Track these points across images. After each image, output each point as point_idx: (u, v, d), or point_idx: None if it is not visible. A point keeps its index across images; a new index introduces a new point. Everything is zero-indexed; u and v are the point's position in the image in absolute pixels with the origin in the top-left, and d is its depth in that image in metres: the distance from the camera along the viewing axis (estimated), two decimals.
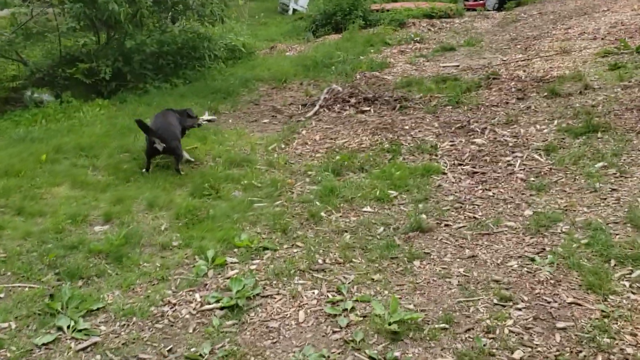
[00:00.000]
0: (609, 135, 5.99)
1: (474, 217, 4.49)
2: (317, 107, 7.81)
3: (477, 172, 5.37)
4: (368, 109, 7.70)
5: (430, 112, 7.31)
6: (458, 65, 10.05)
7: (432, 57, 10.79)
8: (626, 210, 4.42)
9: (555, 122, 6.58)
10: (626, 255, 3.76)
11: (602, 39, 9.93)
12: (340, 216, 4.60)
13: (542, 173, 5.26)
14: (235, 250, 4.02)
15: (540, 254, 3.87)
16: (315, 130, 7.01)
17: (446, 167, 5.54)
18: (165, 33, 8.50)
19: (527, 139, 6.16)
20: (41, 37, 7.94)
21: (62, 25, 7.39)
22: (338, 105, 7.87)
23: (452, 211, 4.63)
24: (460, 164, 5.60)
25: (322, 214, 4.62)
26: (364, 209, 4.71)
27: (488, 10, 15.47)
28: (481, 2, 15.59)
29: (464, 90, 8.12)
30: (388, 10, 15.21)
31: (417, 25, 14.25)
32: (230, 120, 7.61)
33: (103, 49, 8.28)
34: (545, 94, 7.52)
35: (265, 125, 7.38)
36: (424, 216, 4.54)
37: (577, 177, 5.10)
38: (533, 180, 5.10)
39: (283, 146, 6.45)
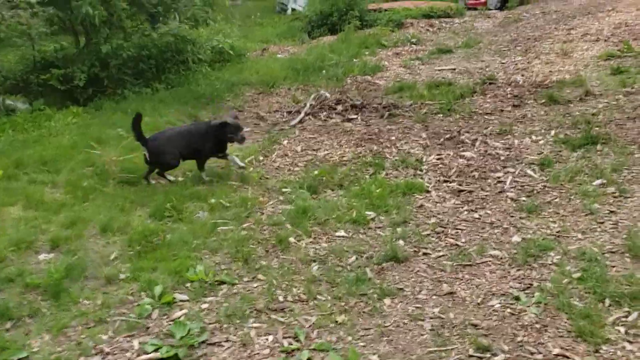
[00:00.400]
0: (609, 148, 5.56)
1: (456, 245, 4.08)
2: (302, 115, 7.41)
3: (463, 191, 4.95)
4: (355, 117, 7.29)
5: (419, 121, 6.89)
6: (454, 69, 9.62)
7: (427, 60, 10.36)
8: (625, 236, 4.00)
9: (553, 132, 6.16)
10: (623, 293, 3.34)
11: (605, 40, 9.46)
12: (311, 242, 4.20)
13: (535, 192, 4.84)
14: (188, 284, 3.63)
15: (526, 291, 3.46)
16: (298, 140, 6.61)
17: (430, 184, 5.12)
18: (145, 36, 8.11)
19: (520, 152, 5.73)
20: (14, 42, 7.58)
21: (32, 30, 7.03)
22: (324, 112, 7.47)
23: (433, 236, 4.22)
24: (446, 181, 5.18)
25: (291, 239, 4.22)
26: (338, 234, 4.31)
27: (490, 10, 14.99)
28: (483, 0, 15.10)
29: (457, 97, 7.69)
30: (386, 10, 14.79)
31: (415, 25, 13.81)
32: None
33: (80, 53, 7.91)
34: (543, 100, 7.09)
35: (246, 134, 6.97)
36: (401, 242, 4.13)
37: (572, 197, 4.68)
38: (524, 201, 4.68)
39: (261, 158, 6.06)
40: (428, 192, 4.97)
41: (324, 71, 9.69)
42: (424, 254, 3.98)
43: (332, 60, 10.50)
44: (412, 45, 11.70)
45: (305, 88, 8.99)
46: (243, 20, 17.84)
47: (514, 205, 4.62)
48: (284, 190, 5.11)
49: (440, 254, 3.97)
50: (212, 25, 9.52)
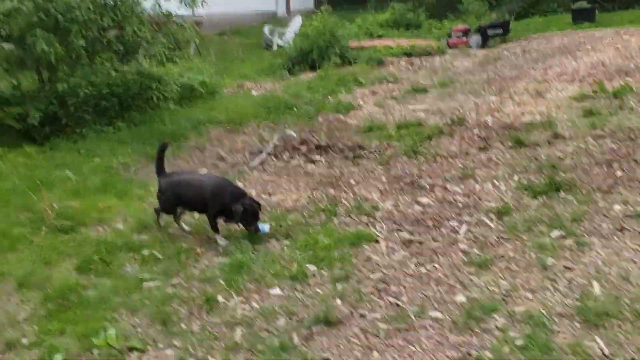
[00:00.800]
0: (572, 195, 5.32)
1: (397, 304, 3.78)
2: (264, 155, 7.18)
3: (414, 241, 4.67)
4: (319, 158, 7.06)
5: (382, 163, 6.67)
6: (427, 109, 9.46)
7: (402, 99, 10.22)
8: (577, 296, 3.72)
9: (516, 177, 5.93)
10: None
11: (581, 81, 9.36)
12: (242, 301, 3.90)
13: (489, 243, 4.57)
14: (95, 351, 3.31)
15: None
16: (255, 182, 6.36)
17: (381, 233, 4.85)
18: (109, 74, 7.94)
19: (480, 198, 5.48)
20: None
21: None
22: (288, 153, 7.24)
23: (374, 294, 3.92)
24: (399, 229, 4.91)
25: (220, 298, 3.92)
26: (272, 291, 4.01)
27: (471, 48, 14.99)
28: (464, 40, 15.11)
29: (424, 138, 7.49)
30: (367, 48, 14.76)
31: (395, 64, 13.78)
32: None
33: (40, 91, 7.72)
34: (511, 143, 6.88)
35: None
36: (338, 301, 3.83)
37: (527, 250, 4.40)
38: (477, 254, 4.40)
39: None
40: (377, 242, 4.69)
41: (295, 109, 9.52)
42: (361, 315, 3.68)
43: (306, 98, 10.37)
44: (389, 84, 11.60)
45: (274, 127, 8.79)
46: (224, 56, 17.89)
47: (465, 258, 4.34)
48: (222, 241, 4.81)
49: (377, 315, 3.66)
50: (182, 62, 9.36)
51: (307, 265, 4.30)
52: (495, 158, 6.57)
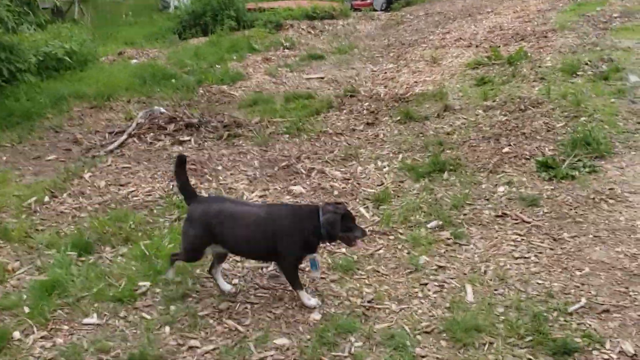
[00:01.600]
0: (456, 176, 4.86)
1: (237, 329, 3.12)
2: (124, 137, 6.23)
3: None
4: (188, 138, 6.21)
5: (261, 143, 5.93)
6: (323, 77, 8.79)
7: (296, 67, 9.46)
8: (447, 305, 3.21)
9: (400, 156, 5.41)
10: None
11: (477, 46, 8.98)
12: (42, 337, 3.09)
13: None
14: None
15: None
16: (107, 171, 5.44)
17: None
18: None
19: (359, 183, 4.91)
20: None
21: None
22: (152, 133, 6.33)
23: (213, 316, 3.24)
24: None
25: (17, 334, 3.09)
26: (87, 320, 3.22)
27: (375, 11, 14.39)
28: (368, 2, 14.48)
29: (311, 113, 6.83)
30: (266, 10, 13.81)
31: (295, 27, 12.92)
32: (5, 157, 5.89)
33: None
34: (399, 117, 6.34)
35: (48, 164, 5.73)
36: (167, 330, 3.12)
37: (400, 246, 3.87)
38: (343, 254, 3.81)
39: (47, 200, 4.84)
40: None
41: (174, 80, 8.53)
42: (190, 347, 2.99)
43: (191, 66, 9.38)
44: (285, 50, 10.79)
45: (148, 101, 7.80)
46: (114, 20, 16.31)
47: (330, 261, 3.74)
48: (47, 252, 3.94)
49: (210, 347, 2.99)
50: (22, 32, 8.04)
51: (140, 282, 3.54)
52: (383, 135, 6.03)
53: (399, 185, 4.83)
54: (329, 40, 11.53)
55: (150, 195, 4.84)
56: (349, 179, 5.01)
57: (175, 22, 13.47)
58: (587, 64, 7.13)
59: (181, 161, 3.39)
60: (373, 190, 4.75)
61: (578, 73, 6.86)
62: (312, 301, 3.25)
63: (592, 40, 8.27)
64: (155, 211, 4.55)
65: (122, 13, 17.01)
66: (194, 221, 3.26)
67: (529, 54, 7.82)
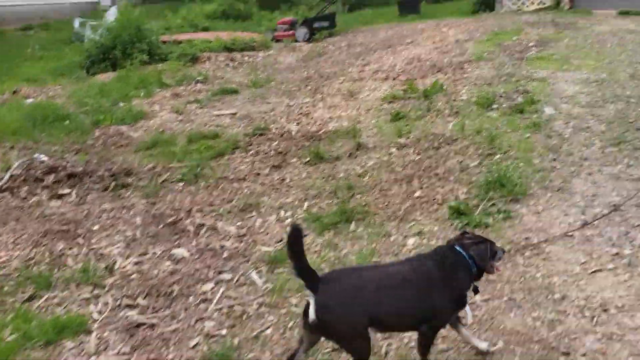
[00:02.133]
0: (364, 227, 4.38)
1: None
2: None
3: (143, 325, 3.33)
4: (69, 191, 5.45)
5: (150, 194, 5.26)
6: (235, 113, 8.22)
7: (207, 103, 8.84)
8: None
9: (306, 204, 4.88)
10: None
11: (394, 78, 8.68)
12: None
13: (244, 317, 3.39)
14: None
15: None
16: None
17: (100, 315, 3.45)
18: None
19: (255, 241, 4.33)
20: None
21: None
22: (28, 187, 5.52)
23: None
24: (129, 305, 3.55)
25: None
26: None
27: (297, 42, 14.04)
28: (290, 32, 14.12)
29: (215, 155, 6.23)
30: (181, 43, 13.16)
31: (213, 60, 12.32)
32: None
33: None
34: (309, 158, 5.84)
35: None
36: None
37: (290, 324, 3.29)
38: (222, 336, 3.19)
39: None
40: (90, 332, 3.29)
41: (67, 122, 7.71)
42: None
43: (91, 104, 8.59)
44: (198, 84, 10.15)
45: (35, 146, 6.94)
46: (19, 54, 15.21)
47: (205, 349, 3.10)
48: None
49: None
50: None
51: None
52: (290, 179, 5.49)
53: None
54: (247, 73, 11.00)
55: (5, 266, 4.06)
56: (244, 236, 4.42)
57: (84, 56, 12.58)
58: (502, 96, 6.92)
59: (297, 234, 2.52)
60: (270, 249, 4.17)
61: (493, 106, 6.62)
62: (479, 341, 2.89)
63: (508, 70, 8.12)
64: (6, 288, 3.77)
65: (25, 47, 15.91)
66: (342, 306, 2.51)
67: (445, 87, 7.57)
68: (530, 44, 9.63)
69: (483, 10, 14.71)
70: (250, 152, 6.25)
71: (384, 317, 2.60)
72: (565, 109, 6.33)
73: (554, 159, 5.12)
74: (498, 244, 2.98)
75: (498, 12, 14.26)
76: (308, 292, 2.51)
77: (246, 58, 12.65)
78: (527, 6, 14.01)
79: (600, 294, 3.28)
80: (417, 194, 4.79)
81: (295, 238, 2.51)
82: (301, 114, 7.77)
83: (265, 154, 6.15)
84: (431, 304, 2.64)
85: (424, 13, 16.53)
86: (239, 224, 4.62)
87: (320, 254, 4.03)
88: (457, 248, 2.77)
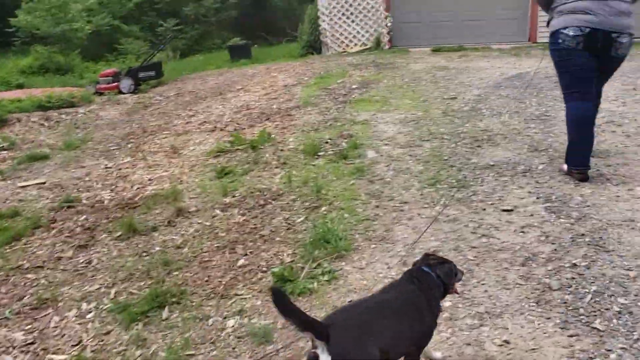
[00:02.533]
0: (179, 311, 3.85)
1: None
2: None
3: None
4: None
5: None
6: (44, 183, 7.21)
7: (12, 174, 7.71)
8: None
9: (114, 291, 4.24)
10: None
11: (222, 129, 8.34)
12: None
13: None
14: None
15: None
16: None
17: None
18: None
19: (45, 349, 3.58)
20: None
21: None
22: None
23: None
24: None
25: None
26: None
27: (122, 94, 13.18)
28: (114, 84, 13.22)
29: (10, 239, 5.29)
30: None
31: (24, 121, 11.00)
32: None
33: None
34: (121, 232, 5.18)
35: None
36: None
37: None
38: None
39: None
40: None
41: None
42: None
43: None
44: (2, 152, 8.90)
45: None
46: None
47: None
48: None
49: None
50: None
51: None
52: (97, 260, 4.78)
53: (103, 340, 3.63)
54: (63, 134, 9.95)
55: None
56: (32, 343, 3.65)
57: None
58: (328, 142, 6.88)
59: (279, 296, 2.36)
60: (63, 358, 3.46)
61: (320, 153, 6.53)
62: None
63: (334, 115, 8.20)
64: None
65: None
66: (358, 348, 2.36)
67: (273, 136, 7.38)
68: (354, 87, 9.92)
69: (311, 53, 15.10)
70: (54, 231, 5.42)
71: (389, 347, 2.52)
72: (386, 151, 6.43)
73: (377, 206, 5.06)
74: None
75: (324, 54, 14.72)
76: (318, 342, 2.35)
77: (64, 116, 11.52)
78: (351, 47, 14.65)
79: None
80: (240, 262, 4.39)
81: (280, 300, 2.37)
82: (119, 177, 7.05)
83: (71, 231, 5.37)
84: (425, 325, 2.72)
85: (256, 57, 16.60)
86: (28, 327, 3.84)
87: (125, 354, 3.43)
88: (426, 269, 2.85)
